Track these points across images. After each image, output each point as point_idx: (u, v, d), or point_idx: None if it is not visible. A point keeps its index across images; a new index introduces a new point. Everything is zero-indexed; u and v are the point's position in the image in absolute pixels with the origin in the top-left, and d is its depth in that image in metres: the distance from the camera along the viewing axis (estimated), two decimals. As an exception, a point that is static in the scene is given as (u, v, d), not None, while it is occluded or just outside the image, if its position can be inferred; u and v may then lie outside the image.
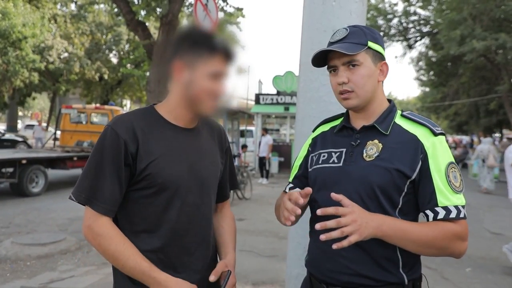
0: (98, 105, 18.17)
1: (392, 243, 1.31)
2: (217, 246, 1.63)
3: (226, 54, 1.43)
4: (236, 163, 10.26)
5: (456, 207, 1.31)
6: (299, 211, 1.31)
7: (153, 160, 1.40)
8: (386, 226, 1.27)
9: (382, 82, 1.49)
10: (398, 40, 25.11)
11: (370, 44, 1.40)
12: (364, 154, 1.41)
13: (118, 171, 1.37)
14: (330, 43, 1.46)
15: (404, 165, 1.35)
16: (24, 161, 9.28)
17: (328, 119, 1.68)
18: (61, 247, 5.60)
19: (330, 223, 1.21)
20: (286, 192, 1.62)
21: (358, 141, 1.45)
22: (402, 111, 1.50)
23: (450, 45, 17.05)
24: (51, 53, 23.90)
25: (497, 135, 35.09)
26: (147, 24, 10.75)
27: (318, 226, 1.22)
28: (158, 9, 10.17)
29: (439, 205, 1.32)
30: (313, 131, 1.71)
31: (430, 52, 25.79)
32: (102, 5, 24.71)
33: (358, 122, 1.49)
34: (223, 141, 1.66)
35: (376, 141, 1.41)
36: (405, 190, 1.36)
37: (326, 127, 1.64)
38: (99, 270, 4.87)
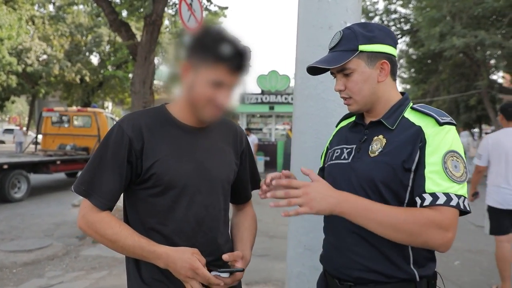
0: (80, 107, 17.89)
1: (356, 223, 1.27)
2: (234, 242, 1.62)
3: (234, 64, 1.36)
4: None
5: (446, 194, 1.24)
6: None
7: (158, 159, 1.40)
8: (347, 203, 1.25)
9: (394, 79, 1.46)
10: (379, 38, 25.30)
11: (362, 47, 1.37)
12: (370, 150, 1.40)
13: (120, 167, 1.38)
14: (329, 50, 1.47)
15: (406, 158, 1.32)
16: (5, 166, 9.07)
17: (348, 115, 1.67)
18: (48, 252, 5.50)
19: (279, 193, 1.25)
20: None
21: (365, 137, 1.45)
22: (414, 104, 1.47)
23: (430, 42, 17.30)
24: (29, 55, 23.49)
25: (476, 130, 35.77)
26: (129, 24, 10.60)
27: (268, 194, 1.29)
28: (142, 9, 10.04)
29: (427, 191, 1.26)
30: (336, 126, 1.72)
31: (411, 50, 26.13)
32: (81, 6, 24.34)
33: (369, 119, 1.49)
34: (238, 141, 1.63)
35: (381, 136, 1.40)
36: (410, 184, 1.33)
37: (345, 122, 1.65)
38: (88, 275, 4.78)
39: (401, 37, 24.70)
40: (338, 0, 2.13)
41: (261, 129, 17.56)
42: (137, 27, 19.91)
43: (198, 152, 1.47)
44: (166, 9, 10.25)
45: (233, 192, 1.70)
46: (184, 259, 1.33)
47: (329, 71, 1.45)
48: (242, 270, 1.44)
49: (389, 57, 1.41)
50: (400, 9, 23.24)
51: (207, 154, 1.49)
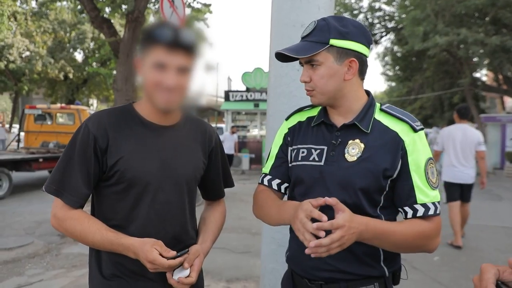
0: (63, 104, 17.68)
1: (373, 244, 1.32)
2: (198, 233, 1.63)
3: (167, 42, 1.37)
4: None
5: (433, 203, 1.33)
6: (322, 233, 1.18)
7: (122, 157, 1.41)
8: (367, 233, 1.25)
9: (362, 78, 1.44)
10: (364, 36, 25.43)
11: (333, 41, 1.34)
12: (346, 154, 1.38)
13: (87, 166, 1.40)
14: (301, 38, 1.43)
15: (387, 164, 1.33)
16: (-14, 164, 8.95)
17: (303, 107, 1.62)
18: (29, 251, 5.45)
19: (325, 241, 1.16)
20: (265, 185, 1.57)
21: (339, 139, 1.41)
22: (381, 104, 1.45)
23: (414, 41, 17.46)
24: (11, 52, 23.11)
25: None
26: (112, 21, 10.50)
27: (312, 244, 1.16)
28: (124, 6, 9.96)
29: (418, 202, 1.33)
30: (287, 119, 1.64)
31: (395, 48, 26.34)
32: (64, 3, 24.01)
33: (337, 119, 1.45)
34: (206, 140, 1.63)
35: (357, 140, 1.38)
36: (387, 189, 1.36)
37: (302, 117, 1.58)
38: (68, 273, 4.75)
39: (386, 35, 24.90)
40: (310, -2, 2.15)
41: (246, 127, 17.55)
42: (121, 24, 19.73)
43: (163, 150, 1.48)
44: (149, 5, 10.19)
45: (203, 189, 1.73)
46: (144, 250, 1.34)
47: (298, 60, 1.42)
48: (187, 252, 1.42)
49: (359, 55, 1.38)
50: (384, 6, 23.41)
51: (173, 152, 1.50)
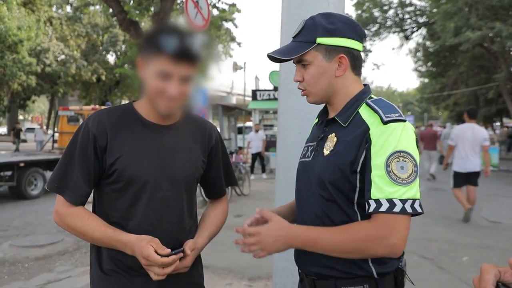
0: (95, 106, 18.18)
1: (310, 251, 1.32)
2: (197, 230, 1.64)
3: (174, 53, 1.36)
4: (233, 159, 10.23)
5: (389, 200, 1.21)
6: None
7: (121, 156, 1.44)
8: (295, 240, 1.31)
9: (356, 73, 1.41)
10: (394, 32, 25.04)
11: (320, 40, 1.33)
12: (324, 148, 1.39)
13: (88, 164, 1.44)
14: (291, 38, 1.43)
15: (352, 158, 1.29)
16: (22, 164, 9.30)
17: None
18: (59, 248, 5.62)
19: (240, 242, 1.36)
20: None
21: (322, 135, 1.43)
22: (371, 98, 1.40)
23: (445, 36, 17.01)
24: (47, 56, 23.94)
25: (498, 124, 35.04)
26: (142, 23, 10.72)
27: (235, 241, 1.39)
28: (152, 8, 10.15)
29: (372, 197, 1.24)
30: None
31: (428, 43, 25.74)
32: (97, 7, 24.68)
33: (332, 115, 1.45)
34: (206, 139, 1.64)
35: (333, 135, 1.38)
36: (358, 185, 1.30)
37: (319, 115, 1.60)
38: (96, 270, 4.88)
39: (417, 30, 24.35)
40: (319, -6, 2.13)
41: (272, 126, 17.54)
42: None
43: (162, 149, 1.50)
44: (175, 6, 10.32)
45: (205, 188, 1.74)
46: (140, 246, 1.36)
47: (292, 61, 1.42)
48: (182, 251, 1.43)
49: (349, 51, 1.36)
50: (415, 1, 22.93)
51: (171, 151, 1.52)
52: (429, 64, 28.99)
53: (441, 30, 17.49)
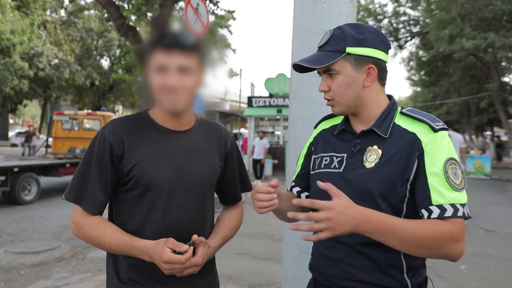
0: (90, 111, 18.08)
1: (376, 240, 1.23)
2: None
3: (164, 42, 1.38)
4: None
5: (453, 205, 1.23)
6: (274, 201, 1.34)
7: (137, 163, 1.44)
8: (369, 224, 1.19)
9: (382, 84, 1.42)
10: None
11: (350, 49, 1.33)
12: (364, 161, 1.36)
13: (104, 172, 1.44)
14: (317, 48, 1.43)
15: (403, 167, 1.29)
16: (16, 169, 9.19)
17: (329, 116, 1.62)
18: (55, 254, 5.55)
19: (301, 216, 1.18)
20: (289, 191, 1.64)
21: (358, 147, 1.39)
22: (402, 108, 1.42)
23: (440, 44, 17.19)
24: (41, 60, 23.79)
25: (489, 133, 35.38)
26: (138, 29, 10.70)
27: (289, 215, 1.19)
28: (149, 14, 10.14)
29: (433, 203, 1.24)
30: (315, 127, 1.66)
31: (421, 52, 25.98)
32: (92, 11, 24.62)
33: (358, 126, 1.43)
34: (222, 144, 1.64)
35: (375, 147, 1.35)
36: (408, 195, 1.30)
37: (327, 124, 1.59)
38: (94, 277, 4.83)
39: (411, 39, 24.58)
40: (332, 4, 2.15)
41: (272, 133, 17.58)
42: (146, 32, 20.01)
43: (179, 155, 1.50)
44: (173, 13, 10.33)
45: (220, 194, 1.73)
46: (158, 252, 1.35)
47: (316, 70, 1.41)
48: (192, 244, 1.42)
49: (377, 62, 1.37)
50: (409, 11, 23.15)
51: (188, 157, 1.51)
52: (422, 73, 29.29)
53: (435, 39, 17.67)
